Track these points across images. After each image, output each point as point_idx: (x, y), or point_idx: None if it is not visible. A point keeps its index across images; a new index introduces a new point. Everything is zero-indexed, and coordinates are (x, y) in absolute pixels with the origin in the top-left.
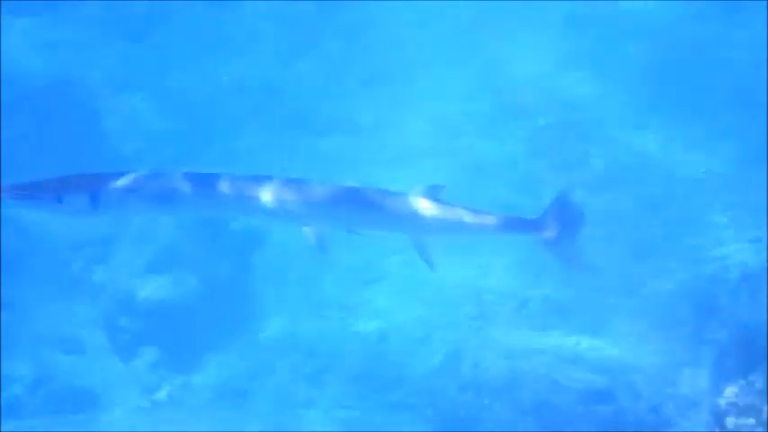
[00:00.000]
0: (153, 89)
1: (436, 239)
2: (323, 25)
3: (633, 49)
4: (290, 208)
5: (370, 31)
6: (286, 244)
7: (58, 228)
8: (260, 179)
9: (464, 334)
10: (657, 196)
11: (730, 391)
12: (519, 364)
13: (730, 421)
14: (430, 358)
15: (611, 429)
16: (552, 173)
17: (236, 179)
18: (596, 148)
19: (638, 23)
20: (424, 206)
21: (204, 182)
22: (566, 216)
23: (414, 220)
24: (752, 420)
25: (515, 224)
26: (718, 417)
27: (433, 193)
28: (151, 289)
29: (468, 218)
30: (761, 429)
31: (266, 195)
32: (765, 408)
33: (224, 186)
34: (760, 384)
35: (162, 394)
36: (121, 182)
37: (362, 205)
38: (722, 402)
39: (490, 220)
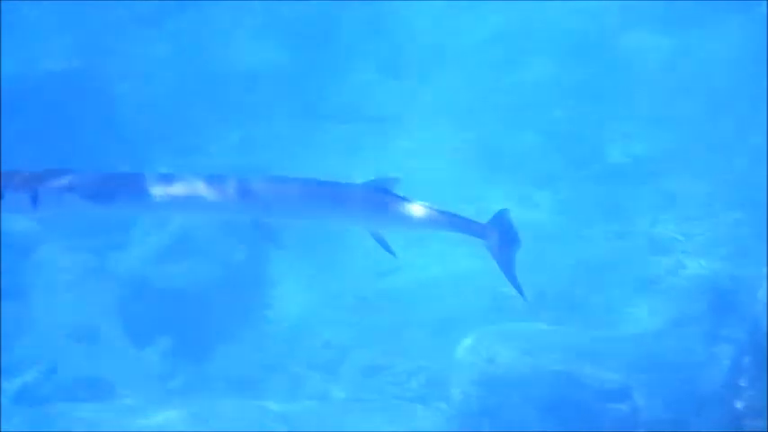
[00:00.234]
0: (168, 76)
1: (388, 232)
2: (340, 13)
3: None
4: (239, 205)
5: (390, 19)
6: (301, 234)
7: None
8: (209, 177)
9: (480, 327)
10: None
11: (747, 391)
12: (535, 360)
13: (747, 421)
14: (445, 351)
15: (626, 427)
16: (568, 166)
17: (185, 178)
18: (613, 142)
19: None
20: (377, 199)
21: (145, 181)
22: (504, 231)
23: (365, 214)
24: None
25: (462, 225)
26: (736, 417)
27: (388, 186)
28: (166, 277)
29: (419, 212)
30: None
31: (211, 193)
32: None
33: (167, 185)
34: None
35: (175, 383)
36: (61, 180)
37: (315, 198)
38: (739, 403)
39: (440, 217)
